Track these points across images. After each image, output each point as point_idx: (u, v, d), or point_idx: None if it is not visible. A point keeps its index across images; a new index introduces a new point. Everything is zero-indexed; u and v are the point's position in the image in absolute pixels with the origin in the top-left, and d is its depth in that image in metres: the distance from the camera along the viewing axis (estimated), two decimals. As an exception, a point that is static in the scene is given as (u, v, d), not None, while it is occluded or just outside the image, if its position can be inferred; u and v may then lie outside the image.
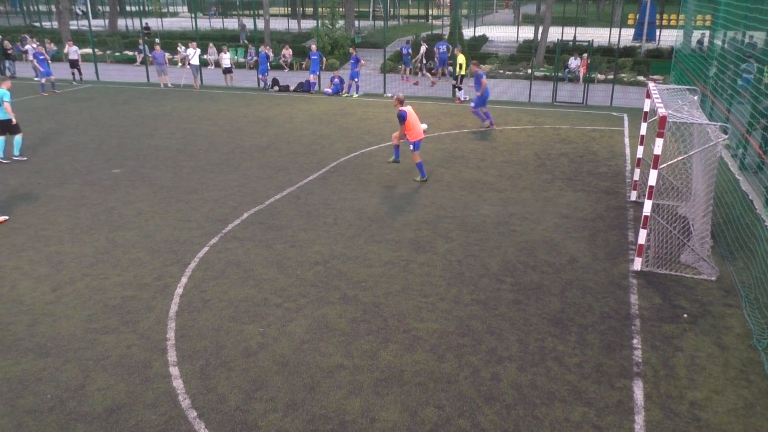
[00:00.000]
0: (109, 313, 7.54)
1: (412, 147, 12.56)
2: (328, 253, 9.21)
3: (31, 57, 27.22)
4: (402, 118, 12.19)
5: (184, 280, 8.38)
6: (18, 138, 14.47)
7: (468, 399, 5.95)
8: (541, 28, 29.33)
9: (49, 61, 24.48)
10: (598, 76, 26.62)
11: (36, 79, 25.15)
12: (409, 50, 27.51)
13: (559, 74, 25.02)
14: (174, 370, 6.38)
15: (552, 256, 9.14)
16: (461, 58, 21.25)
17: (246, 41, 37.46)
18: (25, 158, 14.55)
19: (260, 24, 35.63)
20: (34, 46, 27.75)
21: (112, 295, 7.98)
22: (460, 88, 21.81)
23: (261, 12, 35.58)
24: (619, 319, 7.40)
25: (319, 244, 9.56)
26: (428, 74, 27.06)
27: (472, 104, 17.58)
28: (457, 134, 16.80)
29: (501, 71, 28.22)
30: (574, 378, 6.28)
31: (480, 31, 40.80)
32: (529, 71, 26.62)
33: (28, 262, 8.94)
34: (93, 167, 13.75)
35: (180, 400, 5.94)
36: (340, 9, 34.54)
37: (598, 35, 33.84)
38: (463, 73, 21.51)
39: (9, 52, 28.39)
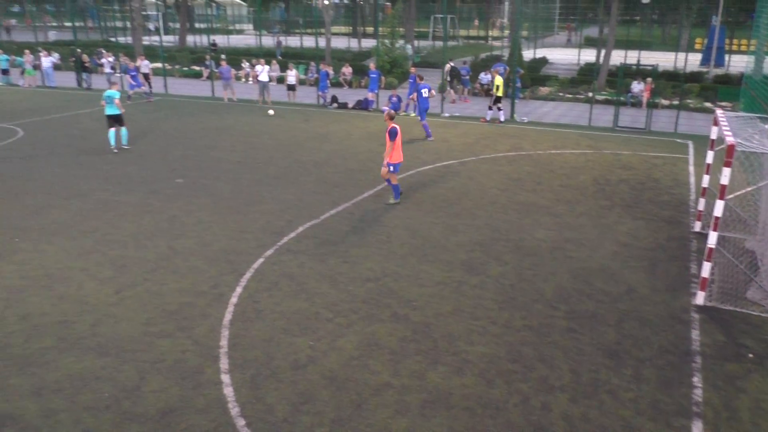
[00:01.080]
0: (167, 318, 7.76)
1: (392, 168, 12.12)
2: (380, 271, 9.23)
3: (107, 69, 28.65)
4: (394, 134, 11.95)
5: (238, 289, 8.56)
6: (124, 130, 16.97)
7: (516, 428, 5.82)
8: (603, 51, 28.84)
9: (139, 76, 25.84)
10: (662, 101, 25.90)
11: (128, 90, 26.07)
12: (469, 72, 27.52)
13: (621, 98, 24.48)
14: (225, 378, 6.51)
15: (609, 285, 8.88)
16: (498, 80, 21.37)
17: (281, 57, 38.28)
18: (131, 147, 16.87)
19: (321, 42, 36.39)
20: (110, 59, 29.19)
21: (170, 300, 8.23)
22: (490, 108, 21.87)
23: (323, 31, 36.35)
24: (678, 355, 7.10)
25: (372, 260, 9.60)
26: (451, 92, 26.89)
27: (420, 117, 19.11)
28: (514, 156, 16.64)
29: (560, 94, 27.84)
30: (628, 413, 6.05)
31: (540, 53, 40.46)
32: (590, 94, 26.17)
33: (94, 264, 9.33)
34: (158, 176, 14.28)
35: (230, 407, 6.04)
36: (400, 29, 34.86)
37: (664, 59, 32.96)
38: (500, 94, 21.57)
39: (86, 64, 29.94)
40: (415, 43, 41.63)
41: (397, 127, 12.13)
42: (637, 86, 25.89)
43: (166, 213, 11.73)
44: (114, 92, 16.50)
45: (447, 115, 23.13)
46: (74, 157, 15.95)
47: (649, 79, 25.10)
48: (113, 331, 7.45)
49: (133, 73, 25.45)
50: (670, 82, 28.00)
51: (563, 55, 40.56)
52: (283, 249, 10.02)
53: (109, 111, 16.54)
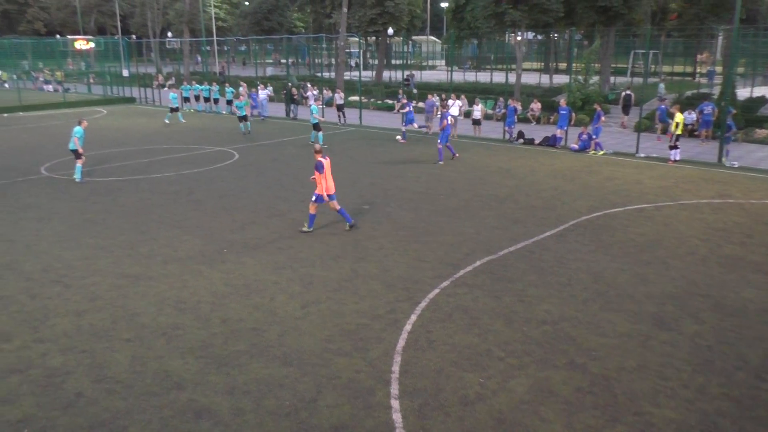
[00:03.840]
0: (345, 337, 8.16)
1: (315, 198, 12.43)
2: (558, 314, 8.82)
3: (311, 102, 31.39)
4: (320, 167, 12.15)
5: (413, 317, 8.73)
6: (321, 134, 23.50)
7: None
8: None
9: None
10: None
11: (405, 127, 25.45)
12: (668, 109, 25.56)
13: None
14: (395, 403, 6.63)
15: (836, 361, 7.55)
16: (679, 117, 19.68)
17: (415, 90, 38.53)
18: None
19: (512, 78, 36.32)
20: (314, 92, 31.95)
21: (349, 320, 8.64)
22: (674, 147, 19.99)
23: (514, 66, 36.27)
24: None
25: (549, 302, 9.22)
26: (624, 118, 27.87)
27: (439, 140, 20.34)
28: (720, 204, 15.01)
29: (782, 137, 24.61)
30: None
31: (759, 91, 36.25)
32: (820, 138, 22.76)
33: (285, 279, 10.16)
34: (347, 202, 15.18)
35: (396, 433, 6.13)
36: (596, 65, 33.51)
37: None
38: (679, 132, 19.82)
39: (294, 97, 33.13)
40: (611, 79, 39.77)
41: (323, 160, 12.27)
42: None
43: (352, 237, 12.41)
44: (316, 108, 23.33)
45: (642, 155, 21.64)
46: (276, 180, 17.61)
47: None
48: (297, 343, 8.00)
49: (410, 106, 25.02)
50: None
51: (787, 93, 35.88)
52: (459, 282, 10.05)
53: (313, 120, 23.26)
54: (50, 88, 52.95)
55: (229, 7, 79.65)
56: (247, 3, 67.76)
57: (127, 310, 9.05)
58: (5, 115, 35.51)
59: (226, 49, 72.93)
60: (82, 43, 55.30)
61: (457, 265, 10.79)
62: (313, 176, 12.52)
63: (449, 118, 21.00)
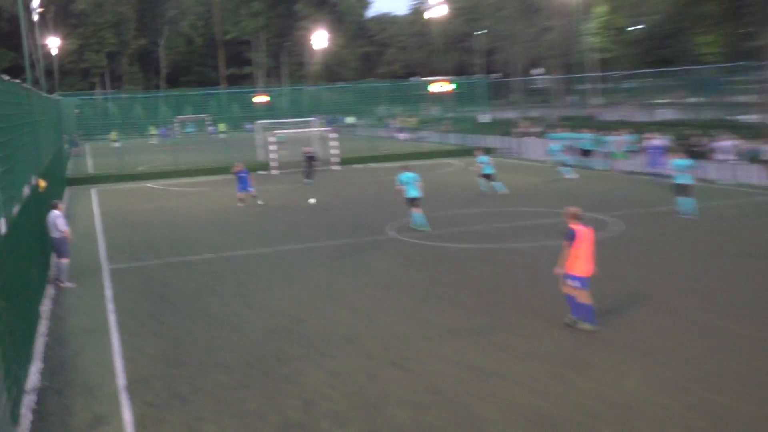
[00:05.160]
0: None
1: (571, 281, 11.90)
2: None
3: (721, 156, 29.22)
4: (571, 236, 11.72)
5: None
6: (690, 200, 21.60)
7: None
8: None
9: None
10: None
11: None
12: None
13: None
14: None
15: None
16: None
17: None
18: None
19: None
20: (728, 143, 29.74)
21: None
22: None
23: None
24: None
25: None
26: None
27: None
28: None
29: None
30: None
31: None
32: None
33: (683, 405, 9.29)
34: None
35: None
36: None
37: None
38: None
39: (694, 148, 31.09)
40: None
41: (579, 229, 11.81)
42: None
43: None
44: (685, 162, 21.80)
45: None
46: (667, 267, 16.59)
47: None
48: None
49: None
50: None
51: None
52: None
53: (680, 180, 21.52)
54: (402, 136, 60.77)
55: (613, 34, 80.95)
56: (637, 27, 67.99)
57: (471, 413, 9.37)
58: (358, 165, 41.90)
59: (605, 87, 73.91)
60: (440, 85, 62.42)
61: None
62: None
63: None
